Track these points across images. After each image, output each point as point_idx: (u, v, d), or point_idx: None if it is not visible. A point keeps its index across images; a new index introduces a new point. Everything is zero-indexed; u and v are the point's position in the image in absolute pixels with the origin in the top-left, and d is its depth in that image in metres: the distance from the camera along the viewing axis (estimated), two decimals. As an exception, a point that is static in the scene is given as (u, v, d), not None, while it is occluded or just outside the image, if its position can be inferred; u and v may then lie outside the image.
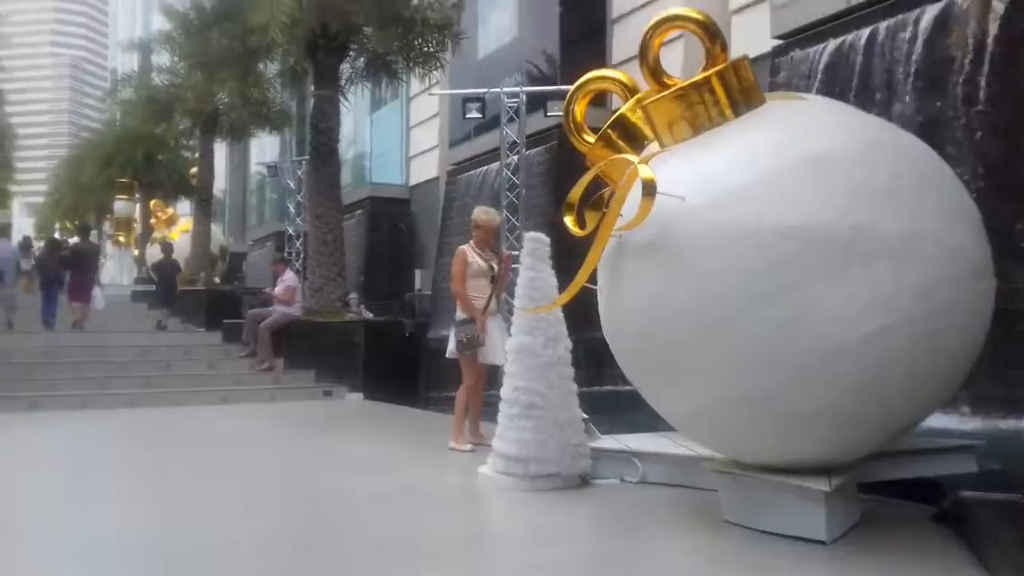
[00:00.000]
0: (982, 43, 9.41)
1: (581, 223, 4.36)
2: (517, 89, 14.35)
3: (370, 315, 15.15)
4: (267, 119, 21.48)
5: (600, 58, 16.64)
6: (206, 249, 22.47)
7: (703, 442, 4.57)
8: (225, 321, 14.90)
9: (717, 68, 4.03)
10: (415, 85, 20.57)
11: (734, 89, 4.03)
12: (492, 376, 7.38)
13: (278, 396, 11.31)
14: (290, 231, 21.29)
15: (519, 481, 5.15)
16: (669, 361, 3.98)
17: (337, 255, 13.95)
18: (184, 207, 32.00)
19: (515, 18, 20.09)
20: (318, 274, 13.84)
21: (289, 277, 13.08)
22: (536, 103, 14.86)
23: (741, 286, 3.63)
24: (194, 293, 18.90)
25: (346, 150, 23.57)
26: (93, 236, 28.51)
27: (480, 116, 14.51)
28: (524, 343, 5.30)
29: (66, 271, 14.95)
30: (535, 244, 5.47)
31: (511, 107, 14.23)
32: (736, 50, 4.10)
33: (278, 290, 12.63)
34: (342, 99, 14.85)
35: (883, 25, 10.67)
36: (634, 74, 4.71)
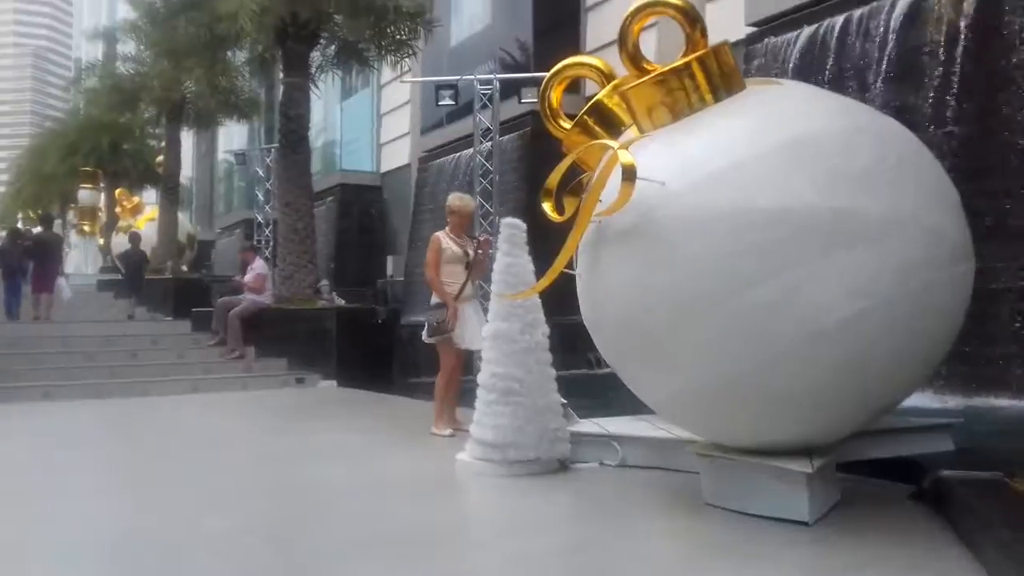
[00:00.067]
0: (955, 29, 9.50)
1: (559, 209, 4.35)
2: (491, 76, 14.30)
3: (342, 302, 15.06)
4: (235, 107, 21.21)
5: (574, 45, 16.62)
6: (173, 237, 22.18)
7: (684, 425, 4.58)
8: (194, 310, 14.76)
9: (697, 54, 4.02)
10: (386, 73, 20.41)
11: (714, 74, 4.02)
12: (467, 362, 7.38)
13: (249, 384, 11.21)
14: (259, 219, 21.09)
15: (497, 467, 5.14)
16: (650, 345, 3.97)
17: (308, 242, 13.82)
18: (150, 196, 31.56)
19: (488, 6, 20.00)
20: (288, 261, 13.71)
21: (259, 265, 12.98)
22: (509, 90, 14.83)
23: (722, 270, 3.63)
24: (161, 282, 18.67)
25: (316, 138, 23.32)
26: (57, 226, 28.05)
27: (453, 103, 14.45)
28: (501, 329, 5.27)
29: (29, 261, 14.71)
30: (512, 230, 5.45)
31: (485, 94, 14.18)
32: (710, 38, 4.09)
33: (248, 278, 12.53)
34: (312, 87, 14.68)
35: (857, 13, 10.74)
36: (610, 61, 4.70)
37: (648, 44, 4.28)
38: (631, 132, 4.29)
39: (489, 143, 14.32)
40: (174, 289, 17.81)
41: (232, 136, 34.83)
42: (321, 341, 12.06)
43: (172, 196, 22.35)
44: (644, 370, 4.23)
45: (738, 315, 3.61)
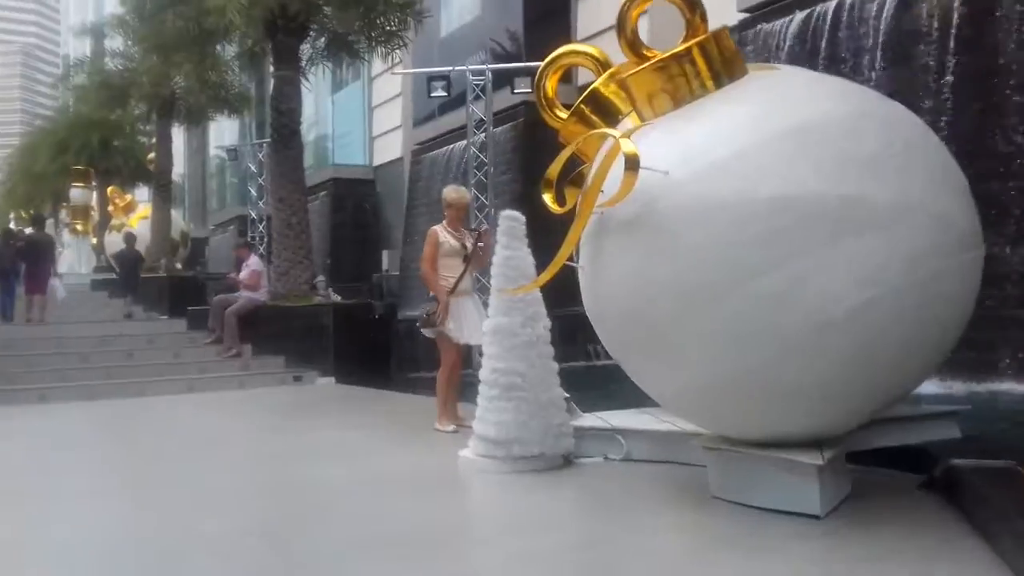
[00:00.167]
0: (949, 13, 9.44)
1: (560, 200, 4.28)
2: (483, 67, 14.20)
3: (338, 298, 14.98)
4: (225, 102, 21.05)
5: (565, 34, 16.53)
6: (166, 235, 22.04)
7: (690, 419, 4.52)
8: (189, 308, 14.66)
9: (698, 39, 3.94)
10: (377, 65, 20.29)
11: (715, 60, 3.95)
12: (466, 356, 7.32)
13: (247, 383, 11.12)
14: (253, 215, 20.99)
15: (501, 464, 5.07)
16: (654, 338, 3.91)
17: (303, 238, 13.71)
18: (142, 193, 31.36)
19: (478, -4, 19.88)
20: (283, 257, 13.60)
21: (254, 262, 12.88)
22: (501, 80, 14.72)
23: (726, 261, 3.56)
24: (156, 280, 18.55)
25: (307, 132, 23.19)
26: (50, 225, 27.85)
27: (446, 94, 14.34)
28: (502, 323, 5.20)
29: (22, 263, 14.59)
30: (511, 222, 5.37)
31: (477, 85, 14.08)
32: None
33: (243, 275, 12.43)
34: (303, 80, 14.56)
35: (849, -2, 10.69)
36: (603, 48, 4.63)
37: (640, 30, 4.19)
38: (629, 121, 4.22)
39: (483, 134, 14.22)
40: (169, 287, 17.70)
41: (223, 132, 34.68)
42: (318, 338, 11.98)
43: (165, 193, 22.21)
44: (648, 363, 4.17)
45: (743, 307, 3.55)
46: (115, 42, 23.75)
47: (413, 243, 19.20)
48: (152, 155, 24.75)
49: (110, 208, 26.38)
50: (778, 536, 3.70)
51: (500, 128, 15.89)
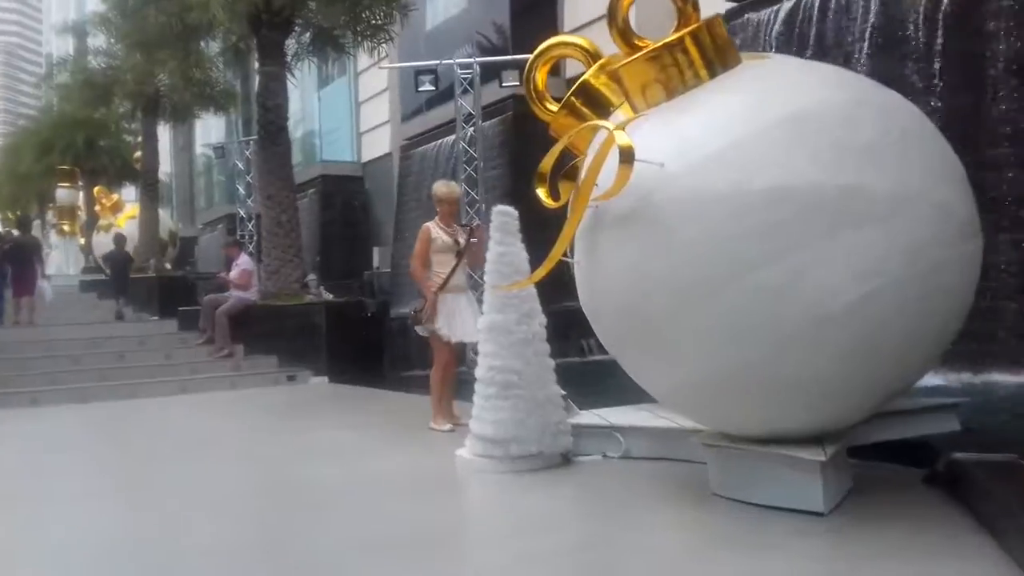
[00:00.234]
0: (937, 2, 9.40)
1: (554, 195, 4.21)
2: (471, 60, 14.08)
3: (330, 296, 14.87)
4: (211, 99, 20.89)
5: (552, 26, 16.41)
6: (155, 235, 21.88)
7: (689, 415, 4.46)
8: (180, 308, 14.55)
9: (691, 28, 3.87)
10: (363, 60, 20.16)
11: (708, 49, 3.88)
12: (459, 353, 7.27)
13: (239, 383, 11.04)
14: (241, 213, 20.85)
15: (499, 463, 5.01)
16: (652, 334, 3.85)
17: (293, 236, 13.61)
18: (129, 193, 31.15)
19: (463, -12, 19.75)
20: (274, 256, 13.50)
21: (244, 260, 12.78)
22: (489, 74, 14.62)
23: (723, 254, 3.50)
24: (145, 281, 18.40)
25: (294, 129, 23.04)
26: (36, 226, 27.61)
27: (433, 88, 14.23)
28: (497, 321, 5.14)
29: (8, 266, 14.45)
30: (504, 217, 5.30)
31: (465, 78, 13.97)
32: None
33: (234, 274, 12.33)
34: (289, 76, 14.44)
35: (838, -15, 10.62)
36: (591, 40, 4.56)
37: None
38: (621, 113, 4.15)
39: (472, 129, 14.12)
40: (159, 288, 17.56)
41: (210, 129, 34.43)
42: (310, 336, 11.91)
43: (152, 192, 22.04)
44: (645, 358, 4.11)
45: (741, 301, 3.49)
46: (98, 40, 23.49)
47: (404, 240, 19.11)
48: (138, 154, 24.55)
49: (97, 208, 26.19)
50: (780, 533, 3.64)
51: (489, 122, 15.79)
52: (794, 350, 3.50)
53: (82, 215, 29.50)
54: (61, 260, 33.40)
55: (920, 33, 9.58)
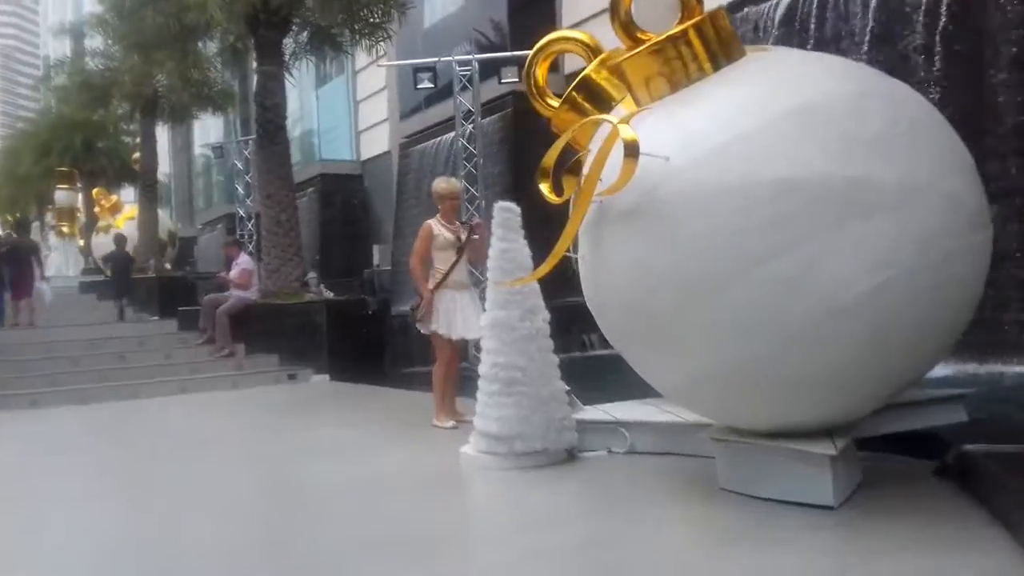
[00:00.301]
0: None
1: (557, 190, 4.18)
2: (470, 57, 14.02)
3: (330, 294, 14.83)
4: (209, 99, 20.86)
5: (550, 22, 16.35)
6: (154, 235, 21.84)
7: (697, 410, 4.42)
8: (180, 308, 14.52)
9: (694, 20, 3.84)
10: (361, 58, 20.10)
11: (712, 41, 3.86)
12: (463, 350, 7.24)
13: (240, 383, 11.00)
14: (241, 213, 20.79)
15: (504, 460, 4.97)
16: (658, 329, 3.81)
17: (292, 235, 13.58)
18: (128, 194, 31.11)
19: (460, -14, 19.69)
20: (274, 255, 13.47)
21: (244, 260, 12.76)
22: (488, 71, 14.58)
23: (730, 248, 3.47)
24: (145, 281, 18.36)
25: (293, 128, 22.97)
26: (36, 228, 27.54)
27: (432, 86, 14.17)
28: (500, 317, 5.10)
29: (6, 268, 14.42)
30: (506, 214, 5.25)
31: (464, 75, 13.92)
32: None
33: (234, 274, 12.30)
34: (287, 75, 14.39)
35: (838, -23, 10.57)
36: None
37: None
38: (622, 107, 4.12)
39: (471, 126, 14.07)
40: (158, 288, 17.51)
41: (208, 129, 34.34)
42: (311, 335, 11.86)
43: (151, 193, 22.00)
44: (651, 354, 4.07)
45: (749, 295, 3.45)
46: (95, 41, 23.48)
47: (403, 237, 19.06)
48: (137, 155, 24.50)
49: (96, 210, 26.16)
50: (790, 528, 3.61)
51: (488, 119, 15.73)
52: (804, 343, 3.47)
53: (81, 217, 29.47)
54: (60, 262, 33.35)
55: (922, 22, 9.52)
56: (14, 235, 16.94)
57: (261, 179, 14.26)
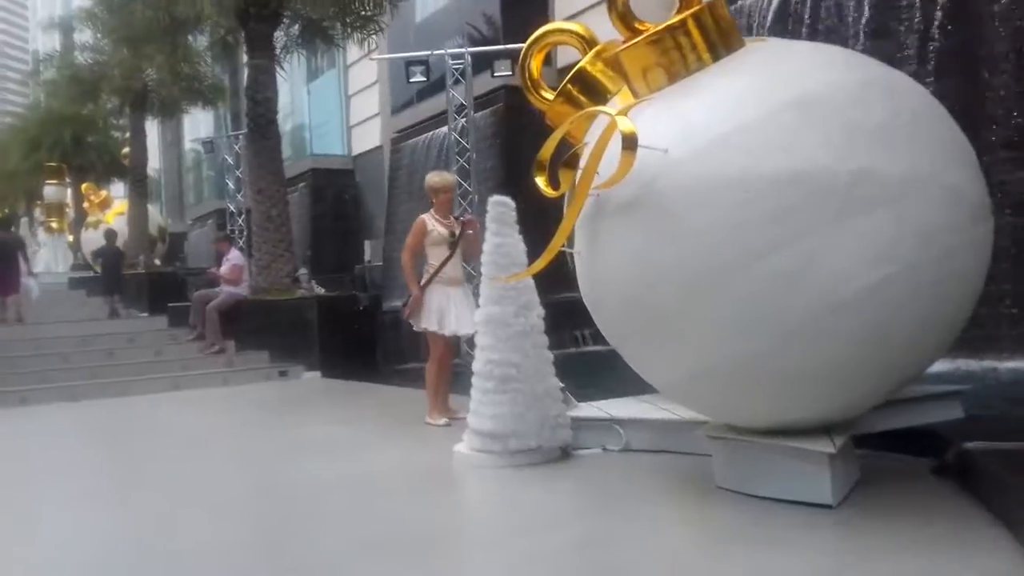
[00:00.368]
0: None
1: (554, 183, 4.11)
2: (463, 50, 13.92)
3: (321, 290, 14.76)
4: (199, 94, 20.79)
5: (543, 16, 16.27)
6: (144, 231, 21.74)
7: (695, 407, 4.36)
8: (170, 305, 14.42)
9: (692, 10, 3.77)
10: (353, 52, 19.98)
11: (711, 31, 3.79)
12: (456, 347, 7.17)
13: (231, 379, 10.93)
14: (231, 208, 20.68)
15: (498, 458, 4.91)
16: (656, 325, 3.75)
17: (283, 230, 13.49)
18: (118, 189, 30.95)
19: (453, -21, 19.56)
20: (264, 251, 13.38)
21: (235, 256, 12.66)
22: (480, 64, 14.48)
23: (730, 242, 3.40)
24: (135, 277, 18.26)
25: (284, 122, 22.83)
26: (24, 224, 27.35)
27: (425, 79, 14.05)
28: (494, 313, 5.03)
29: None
30: (501, 208, 5.19)
31: (456, 69, 13.82)
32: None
33: (224, 269, 12.21)
34: (278, 68, 14.28)
35: (833, -31, 10.50)
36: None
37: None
38: (619, 99, 4.05)
39: (463, 120, 13.99)
40: (148, 284, 17.44)
41: (198, 124, 34.15)
42: (303, 331, 11.78)
43: (140, 188, 21.89)
44: (649, 349, 4.01)
45: (750, 289, 3.39)
46: (84, 35, 23.32)
47: (395, 232, 18.96)
48: (126, 150, 24.39)
49: (85, 205, 26.00)
50: (787, 527, 3.56)
51: (480, 113, 15.63)
52: (805, 338, 3.41)
53: (70, 212, 29.30)
54: (49, 258, 33.16)
55: (918, 12, 9.46)
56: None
57: (252, 174, 14.17)
